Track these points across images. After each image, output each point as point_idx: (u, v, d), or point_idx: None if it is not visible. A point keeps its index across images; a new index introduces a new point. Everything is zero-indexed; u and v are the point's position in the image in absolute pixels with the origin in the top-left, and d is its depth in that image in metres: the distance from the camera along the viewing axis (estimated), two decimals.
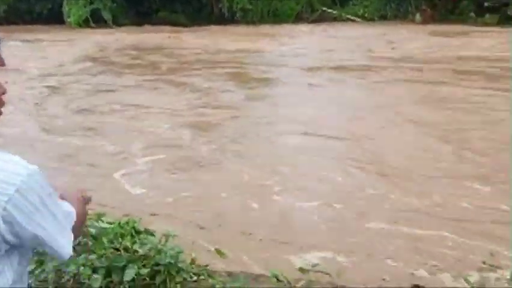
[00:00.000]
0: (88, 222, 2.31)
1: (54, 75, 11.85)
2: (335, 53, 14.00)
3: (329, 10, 25.47)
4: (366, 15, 24.61)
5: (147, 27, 23.86)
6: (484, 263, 3.45)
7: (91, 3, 24.71)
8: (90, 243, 2.26)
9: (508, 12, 21.80)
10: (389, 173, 5.32)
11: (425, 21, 22.82)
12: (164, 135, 6.96)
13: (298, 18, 25.54)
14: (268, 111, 8.17)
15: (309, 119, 7.45)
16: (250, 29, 22.53)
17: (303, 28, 21.95)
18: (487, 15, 21.93)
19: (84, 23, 24.37)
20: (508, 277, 3.18)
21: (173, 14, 26.64)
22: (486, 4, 23.84)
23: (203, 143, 6.47)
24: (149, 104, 8.76)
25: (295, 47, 15.75)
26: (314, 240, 3.83)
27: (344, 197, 4.72)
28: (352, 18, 24.51)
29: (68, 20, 24.61)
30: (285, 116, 7.77)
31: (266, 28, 22.31)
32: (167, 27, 23.13)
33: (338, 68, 11.86)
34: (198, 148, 6.32)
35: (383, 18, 24.28)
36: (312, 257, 3.52)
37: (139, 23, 25.08)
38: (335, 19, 24.73)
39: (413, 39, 16.60)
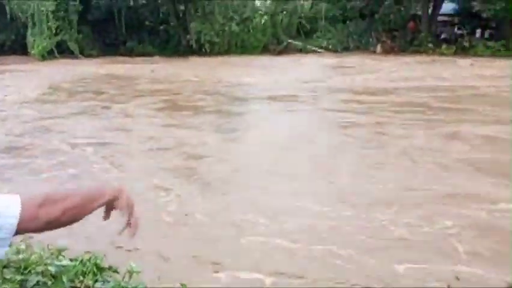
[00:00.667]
0: (48, 260, 2.20)
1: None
2: (283, 84, 14.31)
3: (295, 42, 26.23)
4: (330, 47, 25.50)
5: (117, 58, 23.84)
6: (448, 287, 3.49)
7: (56, 34, 24.46)
8: (49, 282, 2.15)
9: (463, 44, 23.15)
10: None
11: (385, 52, 23.84)
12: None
13: (265, 50, 26.18)
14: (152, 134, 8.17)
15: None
16: (217, 59, 22.88)
17: (265, 59, 22.52)
18: (444, 46, 23.16)
19: (48, 54, 24.03)
20: None
21: (141, 45, 26.74)
22: (443, 36, 25.27)
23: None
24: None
25: (253, 79, 15.97)
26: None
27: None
28: (316, 50, 25.29)
29: (32, 51, 24.21)
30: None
31: (234, 59, 22.72)
32: (139, 58, 23.28)
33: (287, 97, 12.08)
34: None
35: (346, 49, 25.20)
36: None
37: (106, 54, 25.03)
38: (300, 51, 25.50)
39: (365, 70, 17.13)
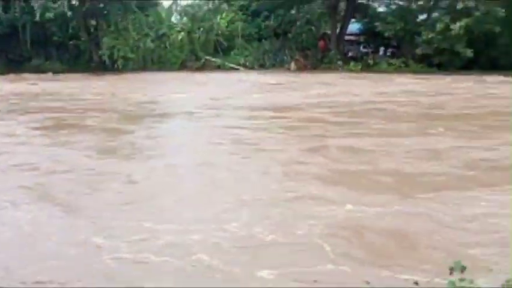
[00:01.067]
0: None
1: None
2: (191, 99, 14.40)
3: (213, 59, 26.37)
4: (247, 64, 25.98)
5: (22, 75, 22.26)
6: None
7: None
8: None
9: (369, 61, 24.89)
10: None
11: (299, 69, 24.85)
12: None
13: (183, 67, 25.97)
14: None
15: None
16: (131, 76, 22.26)
17: (182, 76, 22.41)
18: (352, 63, 24.70)
19: None
20: None
21: (48, 61, 25.18)
22: (350, 54, 26.98)
23: None
24: None
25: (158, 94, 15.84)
26: None
27: None
28: (234, 67, 25.63)
29: None
30: None
31: (149, 76, 22.25)
32: (44, 75, 21.93)
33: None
34: None
35: (262, 67, 25.85)
36: None
37: (11, 71, 23.19)
38: (218, 67, 25.67)
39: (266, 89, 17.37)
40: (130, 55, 24.45)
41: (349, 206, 4.96)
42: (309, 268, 3.72)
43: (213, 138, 8.93)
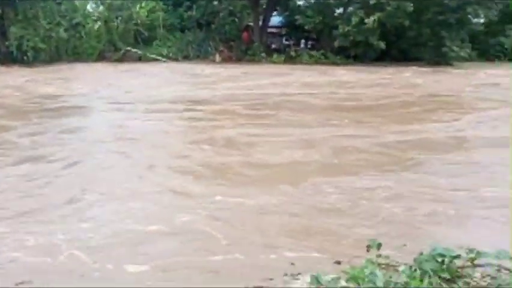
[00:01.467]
0: None
1: None
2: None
3: (133, 50, 25.39)
4: (170, 55, 25.37)
5: None
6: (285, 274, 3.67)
7: None
8: None
9: (291, 53, 25.47)
10: None
11: (224, 61, 24.78)
12: None
13: (101, 57, 24.71)
14: None
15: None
16: (41, 68, 20.76)
17: (98, 67, 21.37)
18: (275, 56, 25.14)
19: None
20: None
21: None
22: (273, 46, 27.43)
23: None
24: None
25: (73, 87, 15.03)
26: None
27: None
28: (157, 58, 24.91)
29: None
30: None
31: (61, 68, 20.92)
32: None
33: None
34: None
35: (186, 58, 25.41)
36: None
37: None
38: (140, 59, 24.77)
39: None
40: (41, 45, 22.70)
41: (219, 197, 5.25)
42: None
43: (99, 135, 8.71)
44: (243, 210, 4.97)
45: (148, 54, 25.06)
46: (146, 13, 26.54)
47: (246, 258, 3.86)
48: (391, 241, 3.92)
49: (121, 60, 24.34)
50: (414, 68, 21.27)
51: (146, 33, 26.17)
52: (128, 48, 25.38)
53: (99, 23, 25.49)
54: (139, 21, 26.21)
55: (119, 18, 25.80)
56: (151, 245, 4.16)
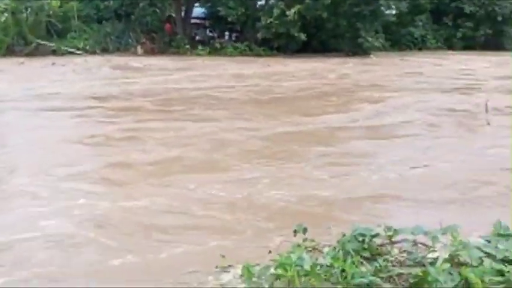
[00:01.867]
0: None
1: None
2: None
3: (46, 43, 23.67)
4: (87, 48, 24.01)
5: None
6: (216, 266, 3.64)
7: None
8: None
9: (216, 45, 25.30)
10: None
11: (146, 53, 23.98)
12: None
13: (9, 52, 22.76)
14: None
15: None
16: None
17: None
18: (200, 47, 24.81)
19: None
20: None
21: None
22: (197, 38, 27.04)
23: None
24: None
25: None
26: None
27: None
28: (72, 51, 23.47)
29: None
30: None
31: None
32: None
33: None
34: None
35: (105, 51, 24.20)
36: None
37: None
38: (54, 52, 23.16)
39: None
40: None
41: (82, 201, 5.05)
42: None
43: None
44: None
45: (62, 48, 23.52)
46: (59, 3, 24.88)
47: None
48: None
49: (32, 54, 22.60)
50: (337, 59, 22.04)
51: (59, 25, 24.51)
52: (40, 41, 23.63)
53: (6, 14, 23.46)
54: (51, 12, 24.49)
55: (29, 9, 23.92)
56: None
